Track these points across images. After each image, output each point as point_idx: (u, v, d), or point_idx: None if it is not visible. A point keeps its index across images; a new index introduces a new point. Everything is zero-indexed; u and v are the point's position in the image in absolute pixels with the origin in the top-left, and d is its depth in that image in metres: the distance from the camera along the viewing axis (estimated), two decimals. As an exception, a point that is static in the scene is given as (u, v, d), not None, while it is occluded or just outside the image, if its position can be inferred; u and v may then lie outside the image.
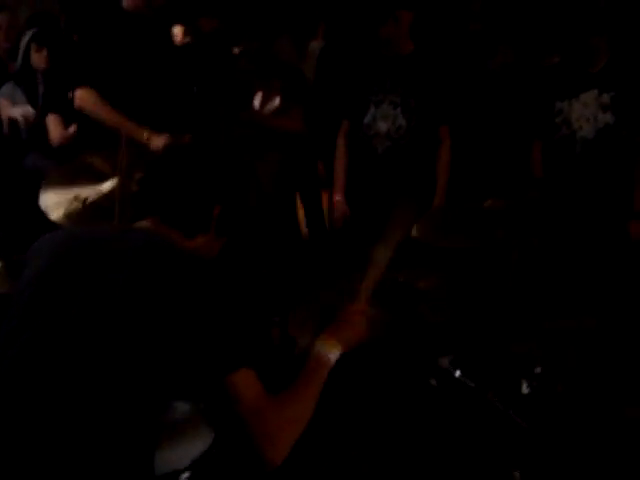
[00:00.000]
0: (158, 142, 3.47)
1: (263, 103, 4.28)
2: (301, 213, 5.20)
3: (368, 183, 4.05)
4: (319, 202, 5.29)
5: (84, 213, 2.48)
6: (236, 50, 4.50)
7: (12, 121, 4.51)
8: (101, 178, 2.60)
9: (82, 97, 3.68)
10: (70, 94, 3.86)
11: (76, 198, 2.48)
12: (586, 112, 3.87)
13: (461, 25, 4.71)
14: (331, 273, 3.67)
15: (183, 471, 1.99)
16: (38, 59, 4.52)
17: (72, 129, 4.32)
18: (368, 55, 4.09)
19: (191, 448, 2.06)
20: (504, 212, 2.06)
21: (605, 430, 2.62)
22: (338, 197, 4.16)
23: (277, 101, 4.27)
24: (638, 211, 3.85)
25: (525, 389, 2.40)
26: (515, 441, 2.38)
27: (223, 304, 1.63)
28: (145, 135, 3.53)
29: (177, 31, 5.04)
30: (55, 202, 2.48)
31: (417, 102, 3.90)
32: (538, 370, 2.34)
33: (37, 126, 4.46)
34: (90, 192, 2.54)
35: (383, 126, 3.95)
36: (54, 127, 4.43)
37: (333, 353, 1.81)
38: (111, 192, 2.55)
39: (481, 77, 4.49)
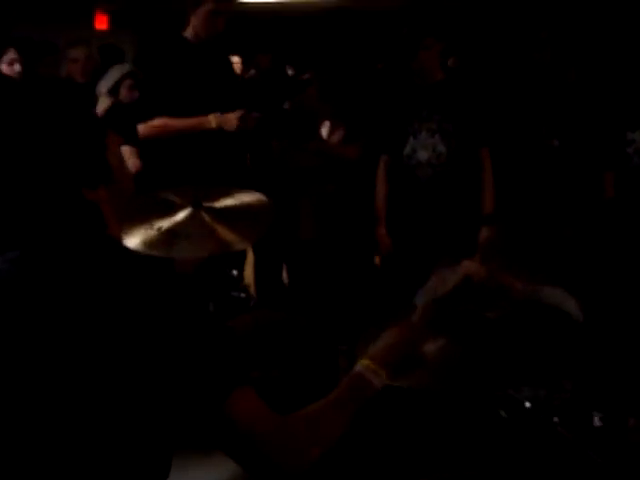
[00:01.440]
0: (231, 121, 3.61)
1: (330, 132, 4.33)
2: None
3: (414, 213, 4.06)
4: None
5: (160, 239, 2.56)
6: (306, 76, 4.56)
7: None
8: (174, 209, 2.68)
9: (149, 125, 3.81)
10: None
11: (151, 226, 2.57)
12: (659, 140, 3.83)
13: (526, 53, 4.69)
14: (392, 305, 3.69)
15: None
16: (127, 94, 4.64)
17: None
18: (402, 86, 4.12)
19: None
20: (579, 241, 2.04)
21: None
22: (381, 230, 4.16)
23: (343, 130, 4.31)
24: None
25: (597, 422, 2.36)
26: (587, 476, 2.34)
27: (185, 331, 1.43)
28: (213, 122, 3.65)
29: (236, 60, 5.15)
30: (130, 229, 2.57)
31: (454, 126, 3.92)
32: (610, 402, 2.30)
33: None
34: (164, 222, 2.62)
35: (424, 155, 3.97)
36: (130, 158, 4.56)
37: (378, 379, 1.64)
38: (184, 221, 2.63)
39: (539, 102, 4.47)
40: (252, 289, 4.57)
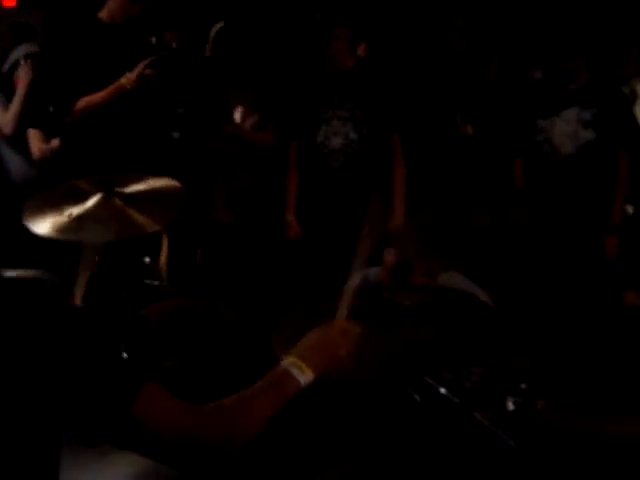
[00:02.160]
0: (129, 77, 3.68)
1: (244, 117, 4.29)
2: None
3: (326, 200, 4.06)
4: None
5: (69, 225, 2.55)
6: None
7: None
8: (86, 196, 2.64)
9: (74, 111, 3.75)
10: (51, 108, 3.89)
11: (61, 213, 2.54)
12: (568, 129, 3.91)
13: (443, 40, 4.74)
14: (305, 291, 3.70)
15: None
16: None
17: (55, 143, 4.32)
18: (312, 74, 4.12)
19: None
20: (489, 228, 2.07)
21: (589, 446, 2.63)
22: (290, 217, 4.17)
23: (257, 115, 4.28)
24: (614, 225, 3.90)
25: (511, 406, 2.40)
26: (502, 460, 2.37)
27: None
28: (125, 82, 3.66)
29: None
30: (41, 217, 2.55)
31: (365, 114, 3.93)
32: (523, 386, 2.34)
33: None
34: (75, 208, 2.59)
35: (336, 142, 3.97)
36: (34, 142, 4.43)
37: (304, 376, 1.63)
38: (95, 206, 2.59)
39: (453, 90, 4.52)
40: (165, 275, 4.50)
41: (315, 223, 4.15)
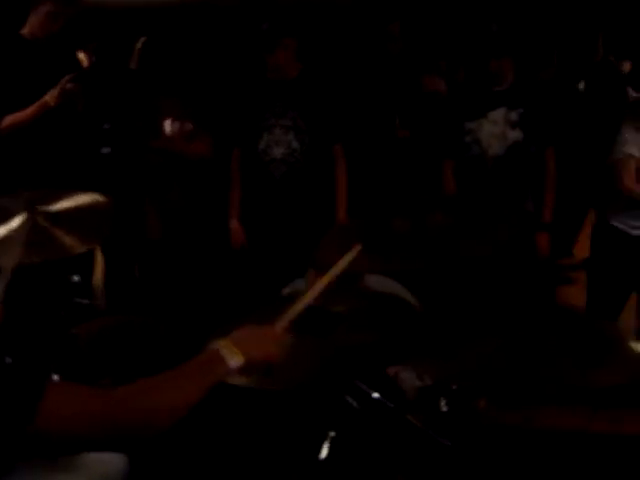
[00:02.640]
0: (52, 94, 3.61)
1: (174, 128, 4.24)
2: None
3: (268, 209, 4.06)
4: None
5: None
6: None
7: None
8: (8, 216, 2.58)
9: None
10: None
11: None
12: (495, 130, 3.96)
13: (380, 45, 4.76)
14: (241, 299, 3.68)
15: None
16: None
17: None
18: (256, 81, 4.12)
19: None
20: (410, 232, 2.09)
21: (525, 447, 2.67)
22: (234, 224, 4.15)
23: (189, 126, 4.24)
24: (545, 223, 3.97)
25: (444, 407, 2.42)
26: (437, 459, 2.39)
27: None
28: (49, 99, 3.61)
29: (82, 57, 4.99)
30: None
31: (308, 123, 3.94)
32: (454, 387, 2.37)
33: None
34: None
35: (278, 151, 3.97)
36: None
37: (234, 360, 1.64)
38: (19, 228, 2.53)
39: (392, 95, 4.55)
40: (101, 293, 4.44)
41: (257, 232, 4.13)
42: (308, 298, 1.93)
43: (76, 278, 2.91)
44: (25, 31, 3.84)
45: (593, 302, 3.92)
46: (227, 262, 4.69)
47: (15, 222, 2.56)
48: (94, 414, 1.43)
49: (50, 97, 3.66)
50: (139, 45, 4.23)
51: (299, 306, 1.90)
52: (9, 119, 3.74)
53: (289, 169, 3.97)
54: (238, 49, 5.11)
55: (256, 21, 4.08)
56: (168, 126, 4.18)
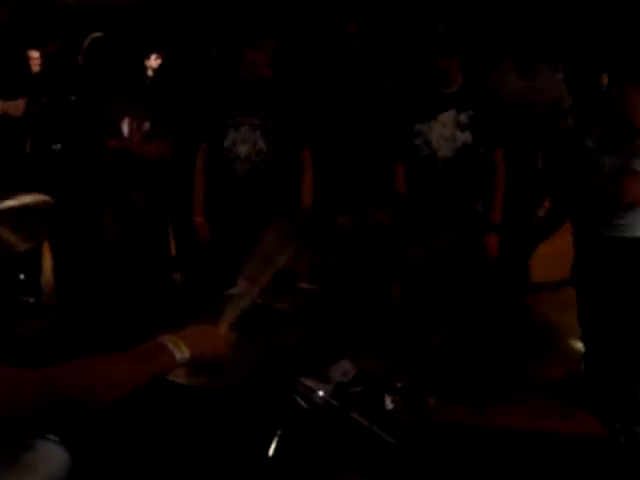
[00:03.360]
0: (17, 106, 3.47)
1: (131, 128, 4.19)
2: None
3: (230, 207, 4.04)
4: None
5: None
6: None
7: None
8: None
9: None
10: None
11: None
12: (445, 132, 4.00)
13: (336, 45, 4.77)
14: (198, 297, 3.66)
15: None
16: None
17: None
18: (226, 78, 4.09)
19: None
20: (354, 230, 2.10)
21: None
22: (199, 219, 4.12)
23: (147, 126, 4.19)
24: (494, 224, 4.02)
25: (389, 405, 2.44)
26: (383, 457, 2.41)
27: None
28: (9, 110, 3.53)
29: (34, 55, 4.92)
30: None
31: (277, 124, 3.92)
32: (399, 385, 2.39)
33: None
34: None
35: (243, 149, 3.95)
36: None
37: (180, 353, 1.64)
38: None
39: (345, 97, 4.57)
40: (50, 292, 4.39)
41: (219, 229, 4.11)
42: (247, 299, 1.95)
43: (22, 276, 2.88)
44: None
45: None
46: (188, 259, 4.67)
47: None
48: (29, 392, 1.44)
49: (13, 110, 3.56)
50: (86, 43, 4.16)
51: (239, 306, 1.92)
52: None
53: (253, 168, 3.95)
54: (212, 44, 5.09)
55: (233, 17, 4.04)
56: (126, 126, 4.12)
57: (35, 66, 5.01)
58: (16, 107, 3.58)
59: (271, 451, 2.36)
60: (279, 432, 2.36)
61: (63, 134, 4.15)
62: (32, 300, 2.85)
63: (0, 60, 3.80)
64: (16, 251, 2.55)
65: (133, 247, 4.28)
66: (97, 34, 4.18)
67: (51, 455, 2.12)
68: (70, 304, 4.39)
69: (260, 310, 2.23)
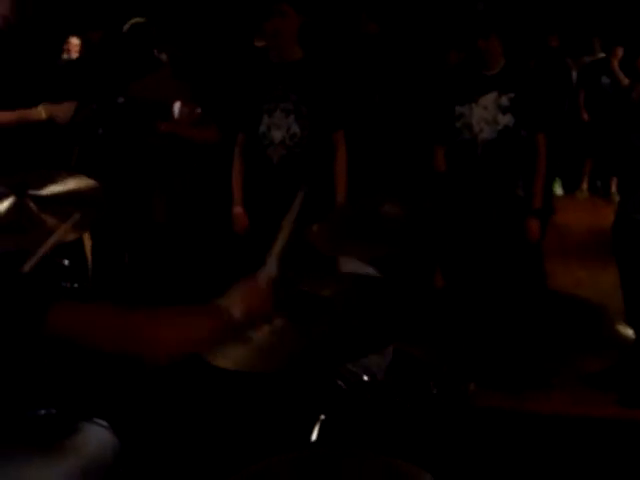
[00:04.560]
0: (65, 112, 3.45)
1: (182, 113, 4.19)
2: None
3: (265, 194, 4.02)
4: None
5: None
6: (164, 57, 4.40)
7: None
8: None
9: None
10: None
11: None
12: (486, 115, 3.96)
13: (356, 28, 4.74)
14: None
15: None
16: None
17: None
18: (257, 63, 4.06)
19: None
20: (401, 218, 2.08)
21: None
22: (237, 209, 4.11)
23: (198, 111, 4.19)
24: (536, 209, 3.98)
25: (434, 389, 2.43)
26: (430, 443, 2.40)
27: None
28: (43, 112, 3.49)
29: (75, 42, 4.94)
30: None
31: (310, 108, 3.87)
32: (445, 370, 2.38)
33: None
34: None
35: (277, 135, 3.91)
36: None
37: (235, 309, 1.71)
38: (7, 212, 2.52)
39: (382, 80, 4.54)
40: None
41: (256, 217, 4.07)
42: (279, 245, 2.03)
43: (66, 262, 2.89)
44: None
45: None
46: (229, 247, 4.68)
47: (2, 206, 2.56)
48: (101, 327, 1.53)
49: (61, 114, 3.53)
50: (126, 28, 4.17)
51: (275, 252, 2.00)
52: None
53: (288, 153, 3.92)
54: (242, 32, 5.08)
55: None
56: (177, 109, 4.11)
57: (74, 53, 5.05)
58: (65, 111, 3.54)
59: (314, 436, 2.36)
60: (322, 417, 2.37)
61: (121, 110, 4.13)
62: (75, 285, 2.86)
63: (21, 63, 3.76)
64: (62, 242, 2.55)
65: (182, 230, 4.30)
66: (137, 19, 4.20)
67: (99, 439, 2.14)
68: (108, 289, 4.42)
69: (306, 297, 2.23)
